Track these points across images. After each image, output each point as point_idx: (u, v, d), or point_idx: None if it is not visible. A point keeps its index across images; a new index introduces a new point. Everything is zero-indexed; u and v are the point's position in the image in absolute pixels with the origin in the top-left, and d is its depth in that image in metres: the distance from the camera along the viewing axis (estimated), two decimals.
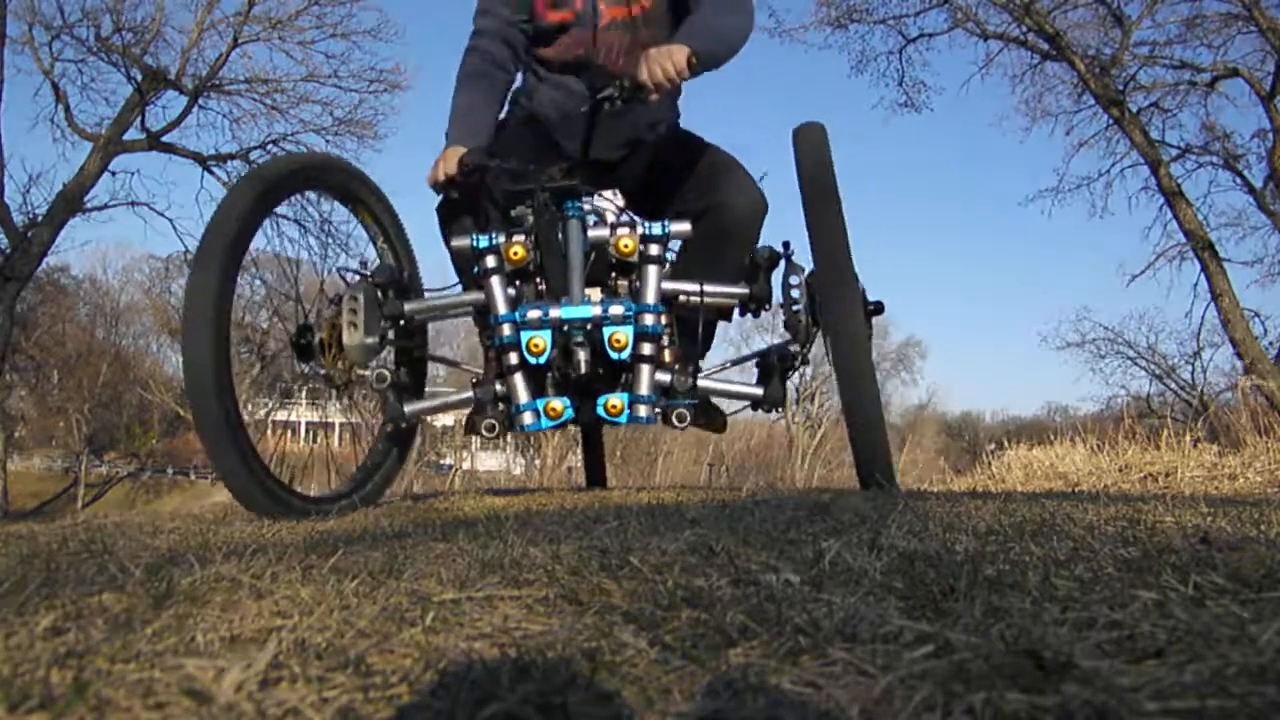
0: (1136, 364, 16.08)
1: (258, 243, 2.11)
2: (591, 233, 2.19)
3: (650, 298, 2.14)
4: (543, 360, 2.06)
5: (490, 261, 2.16)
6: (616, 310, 2.05)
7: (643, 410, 2.11)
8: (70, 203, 12.48)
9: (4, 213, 11.92)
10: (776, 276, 2.32)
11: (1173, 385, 15.48)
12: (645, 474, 17.57)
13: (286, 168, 2.21)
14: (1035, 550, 1.00)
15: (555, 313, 2.05)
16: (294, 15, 13.60)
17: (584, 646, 0.71)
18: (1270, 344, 12.15)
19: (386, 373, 2.22)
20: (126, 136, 13.35)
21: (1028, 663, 0.60)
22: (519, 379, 2.13)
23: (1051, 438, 5.84)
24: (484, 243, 2.17)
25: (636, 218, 2.28)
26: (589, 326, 2.06)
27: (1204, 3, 12.20)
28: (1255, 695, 0.54)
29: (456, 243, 2.22)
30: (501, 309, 2.14)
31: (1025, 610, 0.73)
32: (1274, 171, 11.92)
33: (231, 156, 14.09)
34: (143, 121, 13.40)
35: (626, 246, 2.16)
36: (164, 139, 13.66)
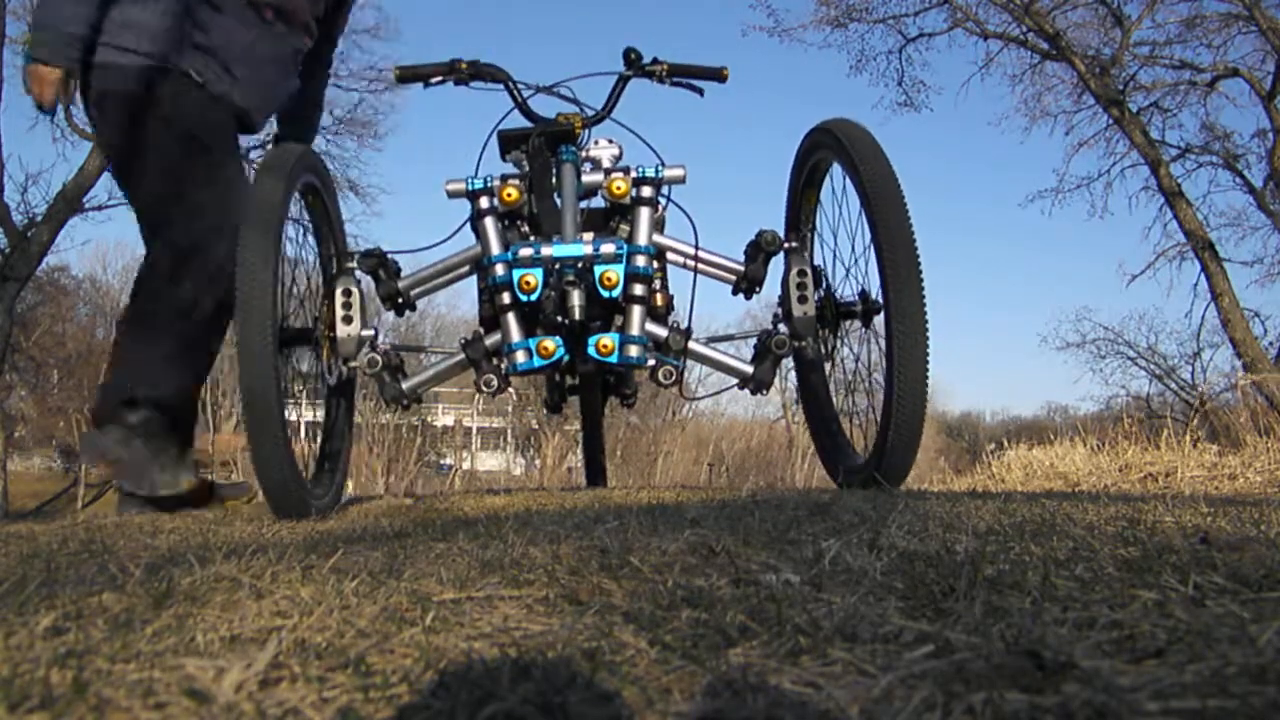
0: (1136, 364, 16.08)
1: None
2: (586, 177, 2.21)
3: (642, 239, 2.14)
4: (534, 298, 2.04)
5: (484, 203, 2.18)
6: (608, 249, 2.05)
7: (634, 350, 2.08)
8: (70, 202, 12.46)
9: (3, 213, 11.91)
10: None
11: (1173, 385, 15.48)
12: (645, 474, 17.55)
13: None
14: (1035, 550, 1.00)
15: (547, 250, 2.05)
16: None
17: (584, 646, 0.71)
18: (1270, 344, 12.18)
19: (377, 357, 2.20)
20: None
21: (1028, 663, 0.60)
22: (511, 318, 2.12)
23: (1051, 438, 5.84)
24: (478, 184, 2.19)
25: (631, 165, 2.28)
26: (580, 265, 2.05)
27: (1204, 3, 12.23)
28: (1255, 695, 0.54)
29: (451, 186, 2.23)
30: (495, 249, 2.14)
31: (1025, 610, 0.73)
32: (1274, 171, 11.93)
33: None
34: None
35: (619, 188, 2.17)
36: None
